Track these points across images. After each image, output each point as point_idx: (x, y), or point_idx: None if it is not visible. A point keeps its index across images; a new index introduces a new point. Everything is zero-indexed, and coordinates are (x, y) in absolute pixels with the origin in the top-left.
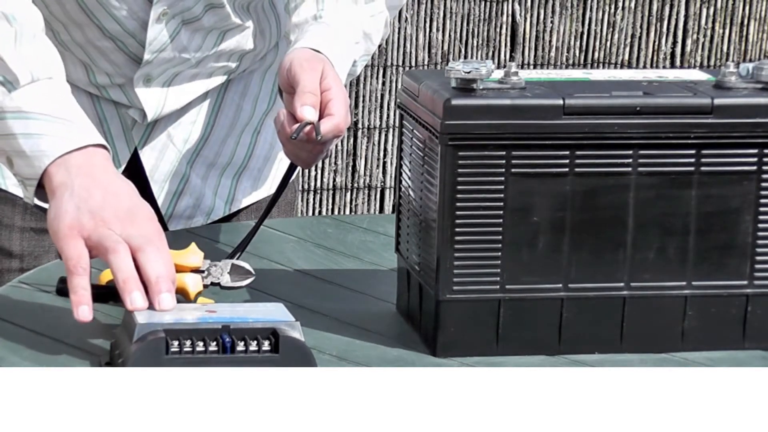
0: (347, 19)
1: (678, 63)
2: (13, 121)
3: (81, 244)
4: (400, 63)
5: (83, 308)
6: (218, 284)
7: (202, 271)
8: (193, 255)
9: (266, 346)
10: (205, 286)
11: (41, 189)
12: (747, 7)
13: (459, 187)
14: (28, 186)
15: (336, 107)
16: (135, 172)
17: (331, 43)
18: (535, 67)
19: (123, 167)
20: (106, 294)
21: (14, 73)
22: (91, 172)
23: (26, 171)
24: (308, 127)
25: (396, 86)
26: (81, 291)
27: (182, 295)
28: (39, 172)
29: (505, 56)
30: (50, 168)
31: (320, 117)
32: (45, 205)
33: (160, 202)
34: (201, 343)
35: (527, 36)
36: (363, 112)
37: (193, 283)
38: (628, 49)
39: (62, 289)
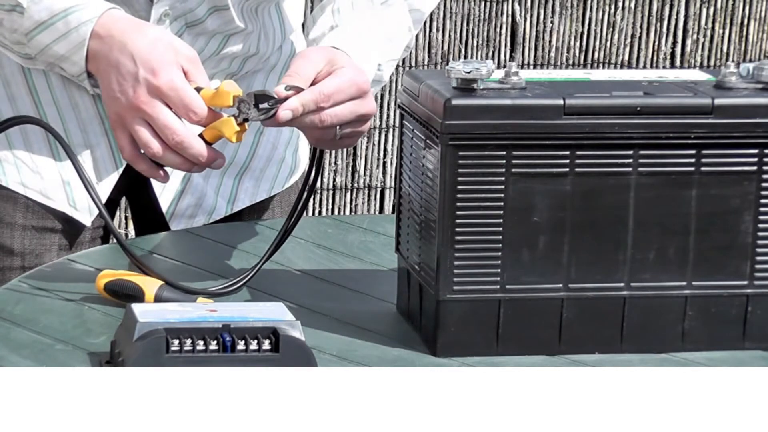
0: (366, 24)
1: (678, 63)
2: (41, 34)
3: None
4: (400, 63)
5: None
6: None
7: (234, 113)
8: (223, 95)
9: (266, 345)
10: (240, 125)
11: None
12: (747, 7)
13: (459, 187)
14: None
15: (329, 85)
16: (137, 171)
17: (350, 42)
18: (535, 67)
19: (124, 167)
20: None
21: None
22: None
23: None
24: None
25: (396, 86)
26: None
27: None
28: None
29: (505, 56)
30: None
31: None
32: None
33: (161, 201)
34: (201, 342)
35: (527, 36)
36: None
37: (228, 129)
38: (628, 49)
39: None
